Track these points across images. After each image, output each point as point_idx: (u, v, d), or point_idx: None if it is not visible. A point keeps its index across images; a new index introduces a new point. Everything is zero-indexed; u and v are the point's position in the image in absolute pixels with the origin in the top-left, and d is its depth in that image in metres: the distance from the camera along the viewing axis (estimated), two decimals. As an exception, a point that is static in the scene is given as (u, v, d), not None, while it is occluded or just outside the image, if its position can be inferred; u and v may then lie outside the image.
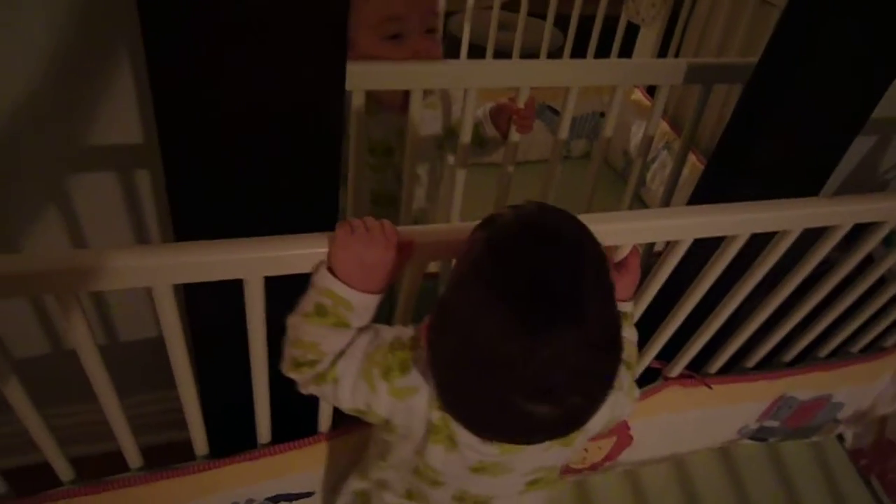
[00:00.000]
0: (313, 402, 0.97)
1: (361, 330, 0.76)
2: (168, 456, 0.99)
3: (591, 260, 0.65)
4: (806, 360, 1.37)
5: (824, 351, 1.37)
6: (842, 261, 1.09)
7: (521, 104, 1.17)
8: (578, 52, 2.13)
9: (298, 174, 0.80)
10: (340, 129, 0.79)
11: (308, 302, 0.74)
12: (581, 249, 0.66)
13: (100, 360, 0.77)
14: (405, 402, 0.74)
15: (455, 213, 1.28)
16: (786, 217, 0.92)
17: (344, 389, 0.75)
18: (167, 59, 0.66)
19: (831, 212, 0.95)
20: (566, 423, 0.65)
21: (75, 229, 1.06)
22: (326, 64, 0.72)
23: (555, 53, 2.25)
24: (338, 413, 0.96)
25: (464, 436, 0.73)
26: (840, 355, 1.39)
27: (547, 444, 0.76)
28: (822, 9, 0.93)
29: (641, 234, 0.86)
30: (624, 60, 1.61)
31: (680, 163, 1.39)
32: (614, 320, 0.66)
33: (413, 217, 1.24)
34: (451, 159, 1.29)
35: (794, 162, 1.10)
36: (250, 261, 0.71)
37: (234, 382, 0.89)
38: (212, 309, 0.85)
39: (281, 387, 0.85)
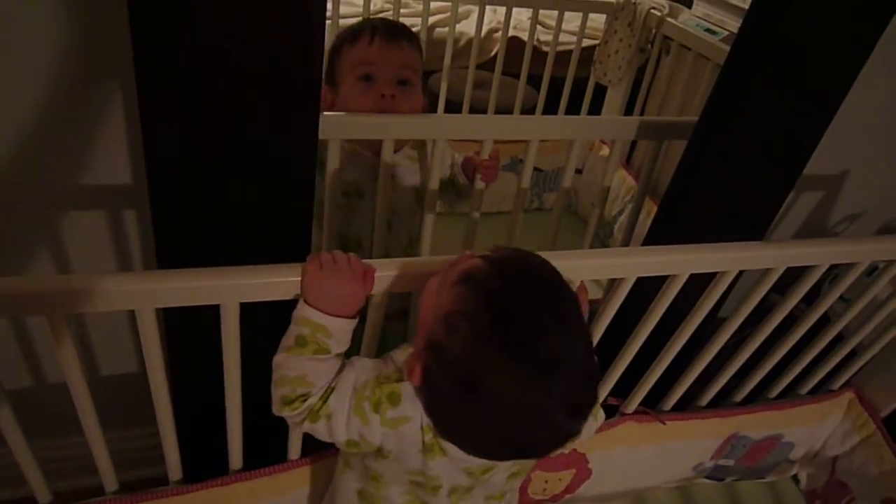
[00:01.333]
0: (284, 429, 1.02)
1: (346, 365, 0.81)
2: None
3: (570, 295, 0.73)
4: (756, 400, 1.44)
5: (774, 392, 1.43)
6: (781, 303, 1.17)
7: (485, 155, 1.26)
8: (551, 109, 2.25)
9: (274, 216, 0.88)
10: (312, 176, 0.87)
11: (288, 337, 0.79)
12: (564, 288, 0.73)
13: (84, 379, 0.83)
14: (397, 430, 0.78)
15: (424, 254, 1.34)
16: (721, 259, 1.00)
17: (339, 424, 0.78)
18: (160, 111, 0.75)
19: (764, 255, 1.03)
20: (563, 442, 0.73)
21: (63, 263, 1.10)
22: (300, 121, 0.82)
23: (528, 111, 2.36)
24: (307, 441, 1.01)
25: (453, 449, 0.79)
26: (789, 396, 1.46)
27: None
28: (753, 74, 1.02)
29: (586, 272, 0.93)
30: (579, 117, 1.70)
31: (637, 209, 1.48)
32: (592, 347, 0.74)
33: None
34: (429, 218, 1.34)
35: (735, 211, 1.18)
36: (227, 287, 0.78)
37: (208, 409, 0.94)
38: (189, 340, 0.92)
39: (254, 414, 0.91)
